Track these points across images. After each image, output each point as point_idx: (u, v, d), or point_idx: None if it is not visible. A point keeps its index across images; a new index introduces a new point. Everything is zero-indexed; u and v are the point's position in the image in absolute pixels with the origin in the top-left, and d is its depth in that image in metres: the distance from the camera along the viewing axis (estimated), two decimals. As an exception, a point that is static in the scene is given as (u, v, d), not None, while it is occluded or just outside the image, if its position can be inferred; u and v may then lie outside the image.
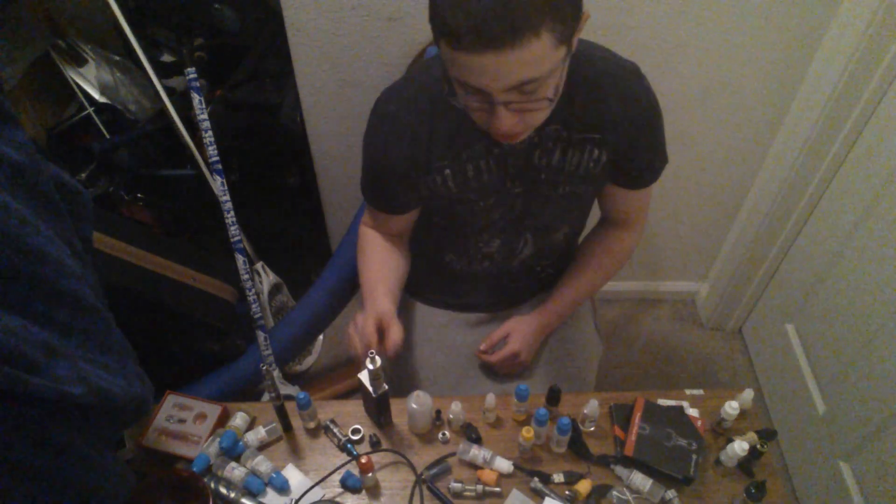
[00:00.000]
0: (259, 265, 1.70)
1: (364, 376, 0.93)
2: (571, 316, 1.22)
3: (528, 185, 0.98)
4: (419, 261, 1.16)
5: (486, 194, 0.98)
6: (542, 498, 0.90)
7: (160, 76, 1.47)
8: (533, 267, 1.15)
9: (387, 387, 0.93)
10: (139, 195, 1.67)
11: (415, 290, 1.24)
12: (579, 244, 1.19)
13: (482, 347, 1.14)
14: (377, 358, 0.89)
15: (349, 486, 0.93)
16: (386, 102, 0.95)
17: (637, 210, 1.09)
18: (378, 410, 0.96)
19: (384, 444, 0.98)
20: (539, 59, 0.69)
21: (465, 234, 1.06)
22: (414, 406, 0.94)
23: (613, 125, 0.91)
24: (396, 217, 1.04)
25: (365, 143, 0.98)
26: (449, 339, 1.19)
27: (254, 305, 1.47)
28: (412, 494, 0.92)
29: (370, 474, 0.90)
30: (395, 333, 0.91)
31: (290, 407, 0.99)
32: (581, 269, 1.14)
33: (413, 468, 0.95)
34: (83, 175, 1.60)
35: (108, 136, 1.61)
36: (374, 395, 0.92)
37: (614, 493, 0.91)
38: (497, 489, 0.92)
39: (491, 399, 0.97)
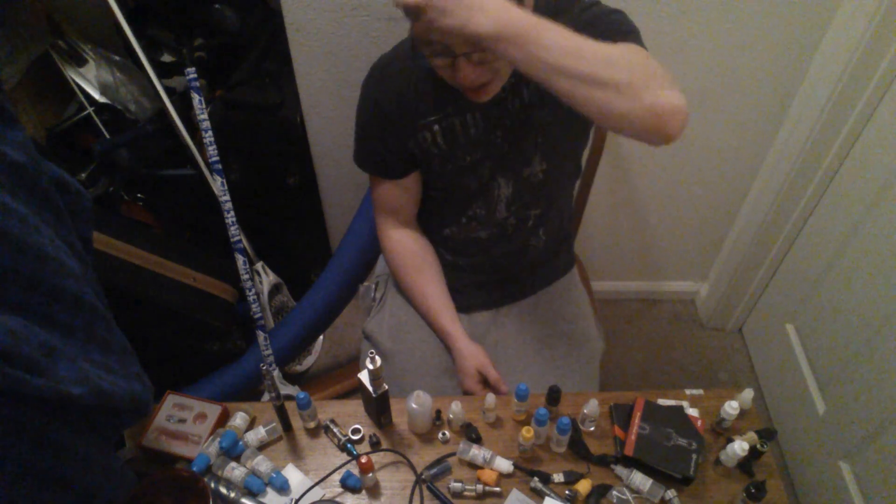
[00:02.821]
0: (259, 265, 1.70)
1: (364, 376, 0.93)
2: (572, 312, 1.22)
3: (508, 132, 1.02)
4: None
5: (473, 149, 1.03)
6: (542, 498, 0.90)
7: (160, 76, 1.47)
8: (525, 221, 1.13)
9: (387, 387, 0.93)
10: (139, 195, 1.67)
11: None
12: None
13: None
14: (377, 358, 0.89)
15: (349, 486, 0.93)
16: (378, 62, 1.03)
17: None
18: (378, 410, 0.96)
19: (384, 444, 0.98)
20: None
21: (460, 201, 1.10)
22: (414, 406, 0.94)
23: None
24: (397, 185, 1.10)
25: (358, 106, 1.06)
26: None
27: (254, 305, 1.47)
28: (412, 494, 0.92)
29: (370, 474, 0.90)
30: (494, 375, 1.08)
31: (290, 407, 0.99)
32: None
33: (413, 468, 0.95)
34: (83, 175, 1.60)
35: (108, 136, 1.61)
36: (374, 395, 0.92)
37: (614, 492, 0.92)
38: (497, 489, 0.92)
39: (491, 399, 0.97)
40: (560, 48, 0.72)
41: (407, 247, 1.17)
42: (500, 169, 1.06)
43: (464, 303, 1.21)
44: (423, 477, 0.93)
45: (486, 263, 1.18)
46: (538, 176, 1.08)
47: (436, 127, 1.01)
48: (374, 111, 1.03)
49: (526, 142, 1.03)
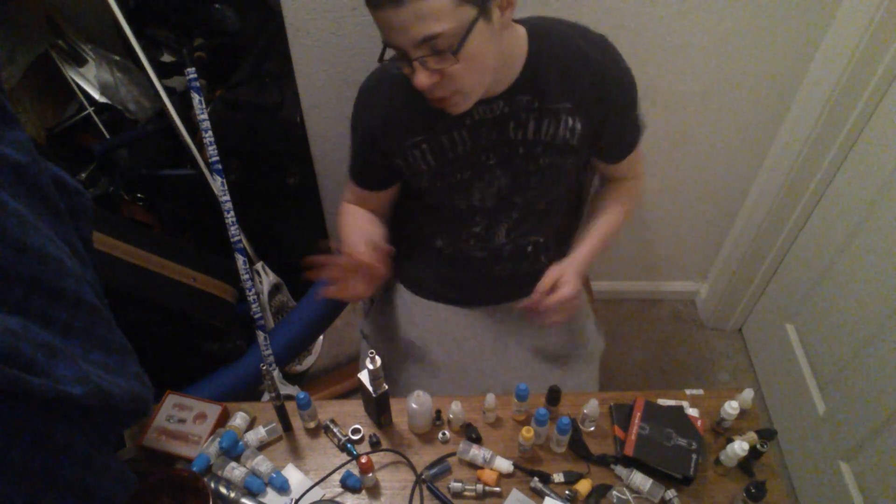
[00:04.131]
0: (259, 265, 1.70)
1: (364, 376, 0.93)
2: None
3: (504, 158, 1.02)
4: (414, 250, 1.20)
5: (462, 166, 1.02)
6: (542, 498, 0.90)
7: (160, 76, 1.47)
8: (523, 247, 1.15)
9: (387, 387, 0.93)
10: (139, 195, 1.67)
11: (415, 285, 1.24)
12: (590, 198, 1.21)
13: (535, 298, 1.02)
14: (377, 358, 0.89)
15: (349, 486, 0.93)
16: (367, 80, 1.04)
17: (631, 169, 1.15)
18: (378, 410, 0.96)
19: (384, 444, 0.98)
20: (438, 15, 0.76)
21: (454, 213, 1.10)
22: (414, 406, 0.94)
23: (582, 94, 0.97)
24: (376, 194, 1.12)
25: (351, 120, 1.07)
26: (451, 335, 1.19)
27: (254, 305, 1.47)
28: (412, 494, 0.92)
29: (370, 474, 0.90)
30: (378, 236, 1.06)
31: (290, 407, 0.99)
32: (599, 213, 1.14)
33: (413, 468, 0.95)
34: (83, 175, 1.60)
35: (108, 136, 1.61)
36: (374, 395, 0.92)
37: (614, 492, 0.92)
38: (497, 489, 0.92)
39: (491, 399, 0.97)
40: (606, 242, 1.11)
41: (358, 212, 1.15)
42: (500, 196, 1.06)
43: (463, 297, 1.21)
44: (423, 477, 0.93)
45: (482, 278, 1.19)
46: (540, 205, 1.09)
47: (424, 145, 1.01)
48: (362, 132, 1.04)
49: (525, 173, 1.04)
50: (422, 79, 0.82)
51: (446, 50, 0.80)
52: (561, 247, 1.19)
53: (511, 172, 1.04)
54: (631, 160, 1.11)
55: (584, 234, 1.12)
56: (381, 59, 0.85)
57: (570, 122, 0.99)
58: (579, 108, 0.99)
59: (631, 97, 1.03)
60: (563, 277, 1.02)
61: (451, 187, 1.05)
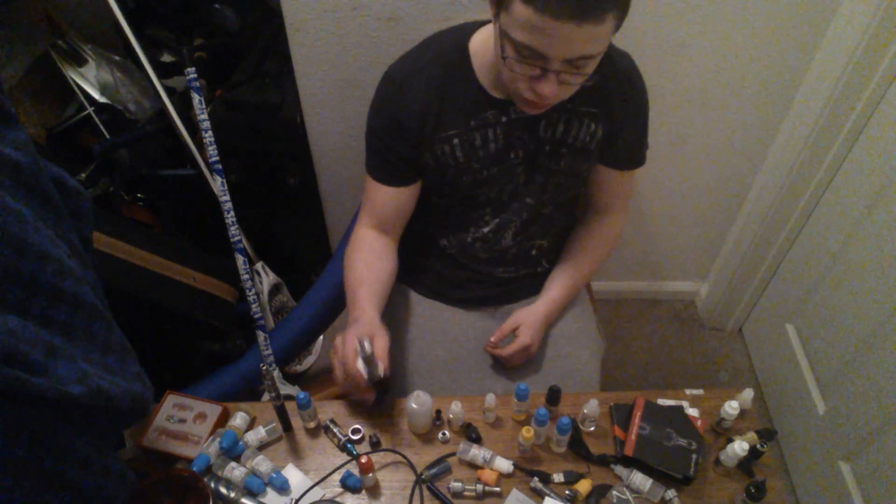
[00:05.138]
0: (259, 265, 1.70)
1: (359, 365, 0.92)
2: (573, 313, 1.22)
3: (529, 155, 1.03)
4: (417, 250, 1.19)
5: (490, 163, 1.02)
6: (542, 498, 0.90)
7: (160, 76, 1.47)
8: (528, 251, 1.16)
9: (381, 373, 0.91)
10: (139, 195, 1.67)
11: (417, 284, 1.24)
12: (570, 235, 1.22)
13: (492, 340, 1.13)
14: (366, 343, 0.88)
15: (349, 485, 0.93)
16: (399, 69, 1.00)
17: (621, 195, 1.17)
18: (379, 396, 0.96)
19: (384, 444, 0.98)
20: (602, 38, 0.78)
21: (466, 210, 1.09)
22: (414, 406, 0.94)
23: (610, 102, 0.99)
24: (396, 192, 1.06)
25: (373, 109, 1.03)
26: (451, 334, 1.19)
27: (254, 305, 1.47)
28: (412, 494, 0.92)
29: (370, 474, 0.90)
30: (381, 348, 0.92)
31: (290, 407, 0.99)
32: (574, 256, 1.18)
33: (413, 468, 0.95)
34: (83, 175, 1.60)
35: (108, 136, 1.61)
36: (370, 381, 0.92)
37: (614, 492, 0.92)
38: (497, 489, 0.92)
39: (491, 399, 0.97)
40: (580, 286, 1.20)
41: (369, 242, 1.08)
42: (515, 196, 1.07)
43: (463, 296, 1.21)
44: (423, 477, 0.93)
45: (485, 278, 1.19)
46: (546, 209, 1.10)
47: (455, 140, 1.00)
48: (389, 122, 1.00)
49: (545, 172, 1.05)
50: (553, 88, 0.83)
51: (583, 66, 0.81)
52: (561, 253, 1.22)
53: (532, 170, 1.04)
54: (629, 181, 1.13)
55: (556, 282, 1.17)
56: (502, 56, 0.83)
57: (593, 126, 1.01)
58: (604, 114, 1.01)
59: (646, 110, 1.07)
60: (523, 327, 1.11)
61: (477, 182, 1.04)
